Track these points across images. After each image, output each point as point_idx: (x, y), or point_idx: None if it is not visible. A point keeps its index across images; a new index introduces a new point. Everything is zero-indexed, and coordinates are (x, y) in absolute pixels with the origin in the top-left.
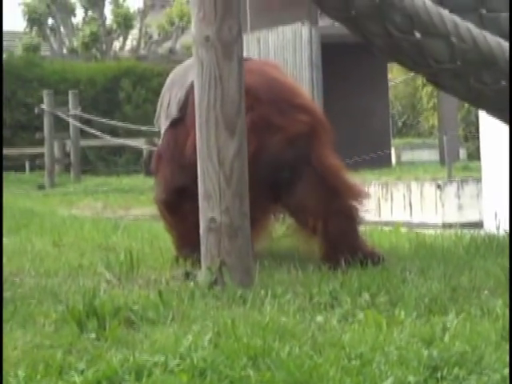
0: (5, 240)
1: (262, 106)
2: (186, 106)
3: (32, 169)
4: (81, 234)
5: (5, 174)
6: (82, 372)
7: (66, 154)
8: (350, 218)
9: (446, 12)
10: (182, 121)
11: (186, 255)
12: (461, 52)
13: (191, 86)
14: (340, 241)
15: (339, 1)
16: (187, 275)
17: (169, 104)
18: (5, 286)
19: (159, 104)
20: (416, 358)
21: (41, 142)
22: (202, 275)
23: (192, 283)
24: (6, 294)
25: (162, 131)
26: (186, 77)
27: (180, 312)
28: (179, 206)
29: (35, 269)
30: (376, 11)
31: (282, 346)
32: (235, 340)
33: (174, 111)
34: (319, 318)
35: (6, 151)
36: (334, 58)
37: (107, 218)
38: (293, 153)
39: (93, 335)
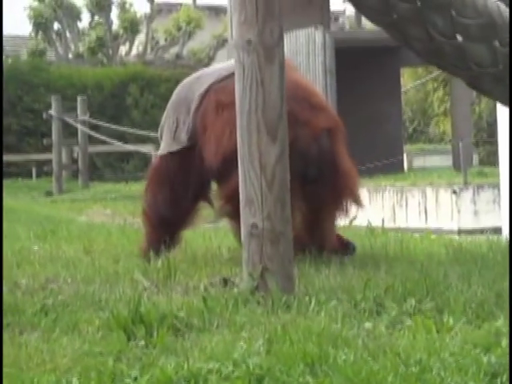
0: (34, 246)
1: (287, 102)
2: (195, 134)
3: (39, 175)
4: (110, 241)
5: (11, 181)
6: (136, 379)
7: (74, 160)
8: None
9: None
10: (191, 148)
11: (149, 254)
12: (503, 56)
13: (194, 113)
14: (330, 237)
15: (380, 4)
16: (225, 282)
17: (177, 126)
18: (44, 293)
19: (164, 117)
20: (474, 363)
21: (47, 148)
22: (244, 281)
23: (233, 289)
24: (47, 302)
25: (165, 148)
26: (189, 101)
27: (225, 319)
28: (167, 223)
29: (71, 275)
30: (417, 15)
31: (336, 352)
32: (290, 346)
33: (183, 139)
34: (367, 325)
35: (12, 157)
36: (347, 63)
37: (132, 225)
38: (318, 148)
39: (142, 342)
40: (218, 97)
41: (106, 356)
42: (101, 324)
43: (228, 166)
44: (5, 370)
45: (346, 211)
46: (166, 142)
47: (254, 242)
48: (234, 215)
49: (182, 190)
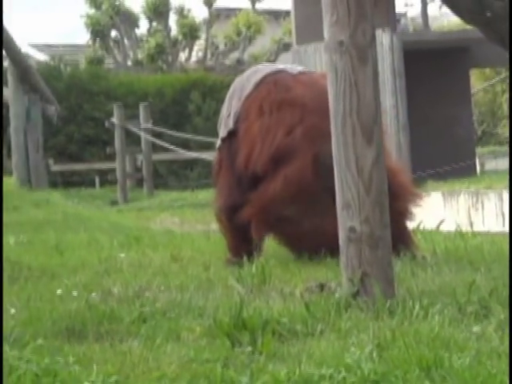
0: (121, 255)
1: (313, 115)
2: (239, 119)
3: (102, 184)
4: (196, 248)
5: (75, 190)
6: None
7: (138, 168)
8: (406, 220)
9: None
10: (236, 133)
11: (234, 262)
12: None
13: (245, 100)
14: (398, 241)
15: (474, 4)
16: (322, 287)
17: (229, 114)
18: (140, 301)
19: (221, 111)
20: None
21: (110, 157)
22: (344, 286)
23: (331, 295)
24: (145, 309)
25: (220, 138)
26: (243, 89)
27: (329, 324)
28: (234, 218)
29: (164, 283)
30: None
31: (450, 356)
32: (404, 351)
33: (231, 123)
34: (476, 328)
35: (74, 166)
36: (415, 65)
37: (215, 232)
38: None
39: (248, 349)
40: (263, 101)
41: (213, 363)
42: (202, 331)
43: (255, 180)
44: (112, 378)
45: (406, 212)
46: (221, 131)
47: (353, 246)
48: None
49: (239, 176)
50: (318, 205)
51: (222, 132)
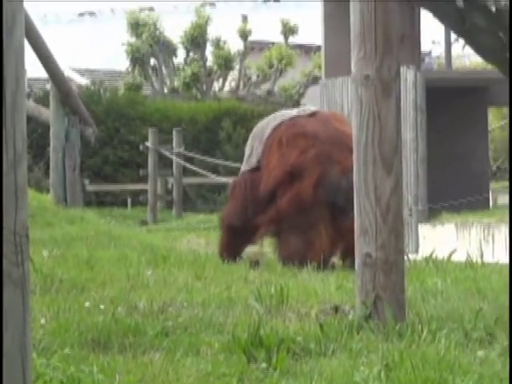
0: (148, 272)
1: (323, 144)
2: (261, 159)
3: (133, 205)
4: (219, 268)
5: (108, 210)
6: None
7: (168, 190)
8: None
9: None
10: (258, 169)
11: (225, 259)
12: None
13: (266, 141)
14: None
15: (495, 42)
16: (336, 309)
17: (251, 153)
18: (163, 316)
19: (245, 149)
20: None
21: (142, 179)
22: (358, 309)
23: (344, 317)
24: (167, 324)
25: (241, 171)
26: (263, 132)
27: (341, 344)
28: (236, 231)
29: (187, 300)
30: None
31: (454, 378)
32: (410, 372)
33: (254, 161)
34: (480, 353)
35: (108, 187)
36: (437, 102)
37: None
38: (347, 182)
39: (263, 365)
40: (282, 136)
41: (229, 377)
42: (221, 346)
43: (271, 197)
44: None
45: None
46: (243, 164)
47: (368, 271)
48: (276, 235)
49: (247, 203)
50: (314, 218)
51: (244, 167)
